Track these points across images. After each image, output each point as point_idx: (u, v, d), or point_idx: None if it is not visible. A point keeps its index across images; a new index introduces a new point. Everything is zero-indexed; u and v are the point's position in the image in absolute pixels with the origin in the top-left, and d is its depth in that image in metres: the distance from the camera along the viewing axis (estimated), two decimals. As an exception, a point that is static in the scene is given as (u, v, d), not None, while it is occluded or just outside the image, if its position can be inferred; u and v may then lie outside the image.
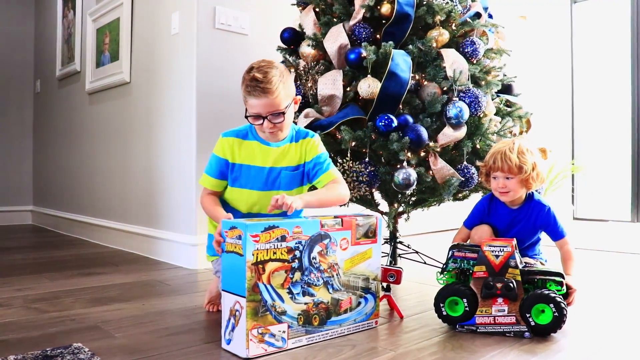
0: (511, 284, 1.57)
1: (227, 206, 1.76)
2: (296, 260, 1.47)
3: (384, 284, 1.81)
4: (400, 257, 2.54)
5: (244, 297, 1.37)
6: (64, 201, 4.27)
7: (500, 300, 1.59)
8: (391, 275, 1.79)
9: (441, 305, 1.65)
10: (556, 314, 1.52)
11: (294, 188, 1.78)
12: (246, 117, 1.65)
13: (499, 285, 1.59)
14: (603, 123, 4.37)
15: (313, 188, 1.79)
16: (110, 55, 3.53)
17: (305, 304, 1.48)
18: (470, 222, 1.95)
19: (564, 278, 1.59)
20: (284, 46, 2.43)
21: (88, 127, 3.88)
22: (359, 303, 1.63)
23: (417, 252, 2.54)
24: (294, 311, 1.46)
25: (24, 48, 4.91)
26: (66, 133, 4.25)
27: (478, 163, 1.96)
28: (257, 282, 1.39)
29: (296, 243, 1.47)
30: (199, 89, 2.72)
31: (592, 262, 3.02)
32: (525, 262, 1.74)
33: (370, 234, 1.65)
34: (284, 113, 1.64)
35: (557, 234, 1.83)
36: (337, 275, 1.57)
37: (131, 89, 3.32)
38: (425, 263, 2.51)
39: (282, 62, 2.42)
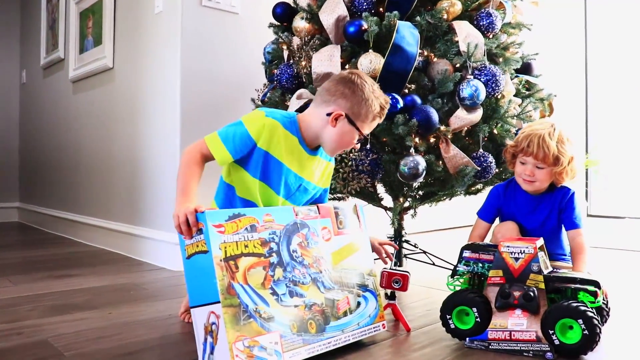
0: (531, 293, 1.31)
1: (239, 207, 1.45)
2: (274, 254, 1.24)
3: (388, 291, 1.56)
4: (407, 257, 2.28)
5: (219, 302, 1.12)
6: (49, 197, 4.03)
7: (518, 312, 1.33)
8: (396, 281, 1.53)
9: (448, 316, 1.40)
10: (586, 332, 1.25)
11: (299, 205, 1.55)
12: (356, 129, 1.42)
13: (516, 293, 1.33)
14: (619, 115, 4.16)
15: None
16: (93, 39, 3.28)
17: (296, 306, 1.24)
18: (486, 212, 1.70)
19: (599, 287, 1.32)
20: (277, 23, 2.17)
21: (72, 117, 3.64)
22: (359, 303, 1.39)
23: (425, 252, 2.28)
24: (284, 316, 1.21)
25: (9, 37, 4.67)
26: (51, 125, 4.01)
27: (508, 142, 1.70)
28: (232, 282, 1.15)
29: (270, 234, 1.24)
30: (183, 73, 2.46)
31: (608, 262, 2.75)
32: (553, 267, 1.47)
33: (352, 223, 1.47)
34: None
35: (571, 223, 1.58)
36: (325, 270, 1.33)
37: (114, 75, 3.07)
38: (434, 264, 2.25)
39: (274, 40, 2.16)
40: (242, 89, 2.50)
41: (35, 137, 4.32)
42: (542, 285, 1.32)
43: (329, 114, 1.40)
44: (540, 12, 4.86)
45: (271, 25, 2.19)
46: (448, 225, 3.86)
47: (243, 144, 1.38)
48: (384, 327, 1.44)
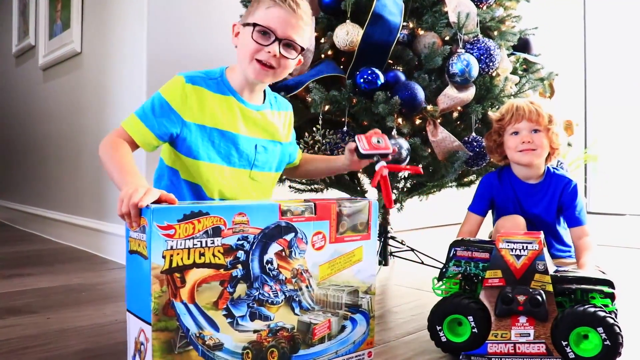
0: (539, 297, 1.11)
1: (185, 191, 1.27)
2: (239, 266, 0.99)
3: (375, 157, 1.29)
4: (392, 255, 2.08)
5: (149, 323, 0.90)
6: (19, 192, 3.82)
7: (523, 319, 1.12)
8: (378, 140, 1.28)
9: (438, 327, 1.18)
10: (607, 342, 1.05)
11: (270, 171, 1.36)
12: (252, 26, 1.20)
13: (521, 298, 1.12)
14: (618, 110, 3.98)
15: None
16: (62, 23, 3.06)
17: (256, 331, 1.01)
18: (478, 204, 1.49)
19: (614, 288, 1.11)
20: (250, -3, 1.96)
21: (42, 107, 3.43)
22: (343, 327, 1.13)
23: (412, 250, 2.07)
24: (237, 343, 0.98)
25: (-18, 25, 4.44)
26: (22, 115, 3.79)
27: (492, 115, 1.49)
28: (172, 300, 0.92)
29: (239, 239, 0.99)
30: (150, 56, 2.25)
31: (609, 260, 2.54)
32: (556, 264, 1.27)
33: (360, 227, 1.15)
34: (302, 50, 1.26)
35: (574, 219, 1.40)
36: (308, 287, 1.08)
37: (82, 61, 2.85)
38: (423, 263, 2.05)
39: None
40: (213, 71, 2.29)
41: (6, 129, 4.10)
42: (550, 288, 1.11)
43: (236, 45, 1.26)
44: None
45: (243, 0, 1.98)
46: (438, 222, 3.65)
47: (166, 117, 1.18)
48: (370, 356, 1.18)
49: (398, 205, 1.97)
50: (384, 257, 2.01)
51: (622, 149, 4.03)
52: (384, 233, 1.99)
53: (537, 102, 1.41)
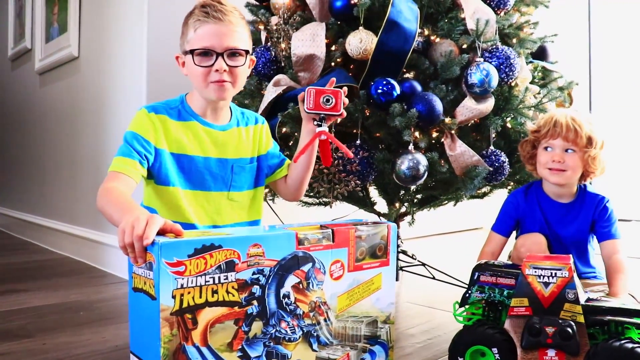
0: (569, 329, 1.03)
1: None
2: (254, 302, 0.91)
3: (319, 117, 1.23)
4: (403, 270, 2.00)
5: (159, 371, 0.82)
6: (16, 199, 3.73)
7: (551, 353, 1.05)
8: (327, 99, 1.20)
9: (460, 359, 1.10)
10: (648, 380, 0.96)
11: (250, 189, 1.32)
12: (190, 53, 1.19)
13: (549, 329, 1.04)
14: (624, 114, 3.92)
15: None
16: (59, 26, 2.98)
17: None
18: (502, 224, 1.41)
19: (652, 319, 1.04)
20: (256, 2, 1.88)
21: (38, 112, 3.34)
22: None
23: (424, 265, 1.99)
24: None
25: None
26: (18, 121, 3.70)
27: (529, 126, 1.42)
28: (183, 344, 0.84)
29: (254, 273, 0.91)
30: (150, 60, 2.17)
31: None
32: (586, 291, 1.19)
33: (379, 252, 1.08)
34: (247, 53, 1.24)
35: (605, 233, 1.32)
36: (326, 321, 1.01)
37: (80, 65, 2.77)
38: (434, 278, 1.97)
39: (252, 20, 1.87)
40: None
41: (1, 134, 4.01)
42: (581, 319, 1.03)
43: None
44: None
45: (248, 4, 1.90)
46: (448, 229, 3.57)
47: (144, 147, 1.17)
48: None
49: (409, 218, 1.89)
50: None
51: (628, 153, 3.97)
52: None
53: (579, 119, 1.30)
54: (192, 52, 1.19)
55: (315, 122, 1.23)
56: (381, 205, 1.91)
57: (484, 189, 1.87)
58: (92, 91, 2.64)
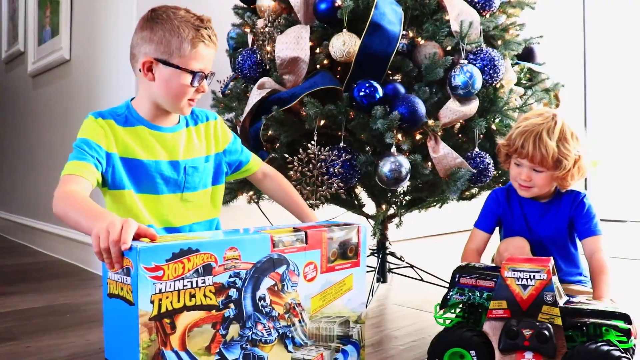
0: (546, 332, 1.03)
1: None
2: (231, 306, 0.92)
3: None
4: (391, 271, 2.00)
5: (137, 377, 0.82)
6: (9, 201, 3.73)
7: (528, 355, 1.05)
8: None
9: (438, 361, 1.11)
10: (623, 383, 0.96)
11: (206, 188, 1.30)
12: (175, 67, 1.16)
13: (526, 332, 1.04)
14: (619, 113, 3.93)
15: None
16: (51, 29, 2.98)
17: None
18: (485, 220, 1.41)
19: (630, 323, 1.03)
20: (243, 5, 1.88)
21: (31, 115, 3.34)
22: None
23: (412, 267, 1.99)
24: None
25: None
26: (11, 123, 3.70)
27: (499, 141, 1.42)
28: (162, 349, 0.84)
29: (231, 276, 0.91)
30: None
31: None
32: (567, 293, 1.19)
33: (349, 253, 1.09)
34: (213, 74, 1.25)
35: (587, 230, 1.30)
36: (300, 322, 1.01)
37: (71, 68, 2.77)
38: (422, 280, 1.97)
39: (239, 23, 1.88)
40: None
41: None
42: (559, 321, 1.03)
43: (141, 70, 1.17)
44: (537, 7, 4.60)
45: (235, 7, 1.91)
46: (437, 231, 3.56)
47: (96, 152, 1.16)
48: None
49: (396, 220, 1.89)
50: (382, 274, 1.93)
51: (623, 154, 3.97)
52: (382, 249, 1.91)
53: (547, 139, 1.23)
54: (193, 73, 1.17)
55: None
56: (370, 207, 1.91)
57: (472, 191, 1.87)
58: (84, 94, 2.64)
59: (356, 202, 1.87)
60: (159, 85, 1.18)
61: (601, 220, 1.35)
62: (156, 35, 1.15)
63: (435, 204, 1.85)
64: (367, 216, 1.87)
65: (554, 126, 1.25)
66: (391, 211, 1.84)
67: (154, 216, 1.22)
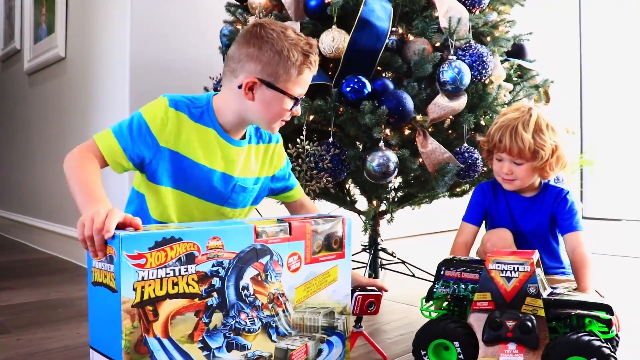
0: (529, 323, 1.04)
1: (153, 220, 1.19)
2: (214, 294, 0.93)
3: (355, 317, 1.26)
4: (383, 268, 2.01)
5: (121, 363, 0.83)
6: (5, 199, 3.74)
7: (512, 346, 1.06)
8: (370, 304, 1.23)
9: (423, 352, 1.12)
10: (603, 373, 0.98)
11: (245, 207, 1.28)
12: (280, 92, 1.14)
13: (510, 323, 1.06)
14: (615, 114, 3.93)
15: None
16: (47, 27, 2.99)
17: None
18: (472, 214, 1.42)
19: (612, 314, 1.05)
20: (235, 2, 1.90)
21: (27, 113, 3.35)
22: (320, 351, 1.09)
23: (403, 262, 2.00)
24: None
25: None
26: (7, 121, 3.72)
27: (479, 138, 1.44)
28: (145, 336, 0.86)
29: (214, 265, 0.92)
30: (133, 62, 2.18)
31: (606, 271, 2.46)
32: (551, 284, 1.20)
33: (334, 245, 1.10)
34: None
35: (568, 225, 1.31)
36: (284, 312, 1.02)
37: (66, 66, 2.79)
38: (414, 276, 1.98)
39: (231, 20, 1.89)
40: (197, 78, 2.22)
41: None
42: (542, 312, 1.05)
43: (240, 86, 1.12)
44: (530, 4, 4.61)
45: (228, 4, 1.92)
46: (430, 229, 3.57)
47: (142, 140, 1.11)
48: None
49: (388, 216, 1.90)
50: (374, 269, 1.94)
51: (619, 153, 3.98)
52: (374, 245, 1.92)
53: (523, 132, 1.26)
54: (295, 99, 1.16)
55: (355, 326, 1.23)
56: (362, 203, 1.92)
57: (463, 187, 1.88)
58: (79, 92, 2.65)
59: (348, 198, 1.89)
60: (258, 106, 1.14)
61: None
62: (264, 55, 1.11)
63: (426, 200, 1.86)
64: (359, 212, 1.89)
65: (529, 119, 1.27)
66: (383, 207, 1.86)
67: (181, 214, 1.19)
